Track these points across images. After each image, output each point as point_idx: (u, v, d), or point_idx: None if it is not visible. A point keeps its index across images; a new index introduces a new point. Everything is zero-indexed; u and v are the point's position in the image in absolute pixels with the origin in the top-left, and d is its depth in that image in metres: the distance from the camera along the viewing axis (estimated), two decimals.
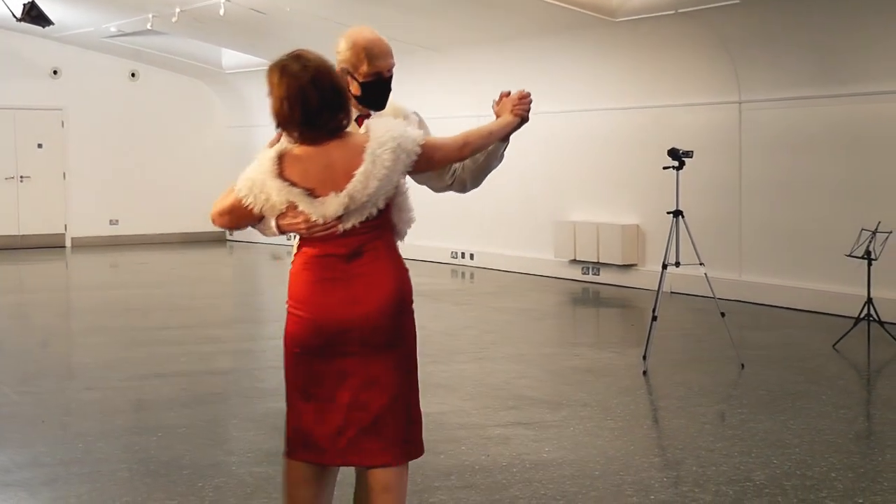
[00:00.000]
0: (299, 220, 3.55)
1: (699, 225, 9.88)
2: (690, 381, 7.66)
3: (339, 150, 3.55)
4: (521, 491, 5.24)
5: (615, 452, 5.90)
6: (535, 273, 13.95)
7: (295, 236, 3.69)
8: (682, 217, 8.25)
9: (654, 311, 8.19)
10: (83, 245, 18.89)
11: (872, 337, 8.94)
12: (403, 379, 3.66)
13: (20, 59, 18.49)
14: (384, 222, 3.64)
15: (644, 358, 8.22)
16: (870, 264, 8.78)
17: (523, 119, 3.84)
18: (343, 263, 3.58)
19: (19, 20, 14.59)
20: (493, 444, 6.09)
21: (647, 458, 5.88)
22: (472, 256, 15.18)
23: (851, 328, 8.90)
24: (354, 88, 3.72)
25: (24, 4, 14.19)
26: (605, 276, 13.08)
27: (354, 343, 3.57)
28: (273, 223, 3.61)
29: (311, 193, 3.52)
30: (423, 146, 3.60)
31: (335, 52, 3.76)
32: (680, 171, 8.33)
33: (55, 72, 18.91)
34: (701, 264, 8.19)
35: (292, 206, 3.53)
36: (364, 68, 3.73)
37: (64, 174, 18.95)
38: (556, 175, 13.80)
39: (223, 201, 3.65)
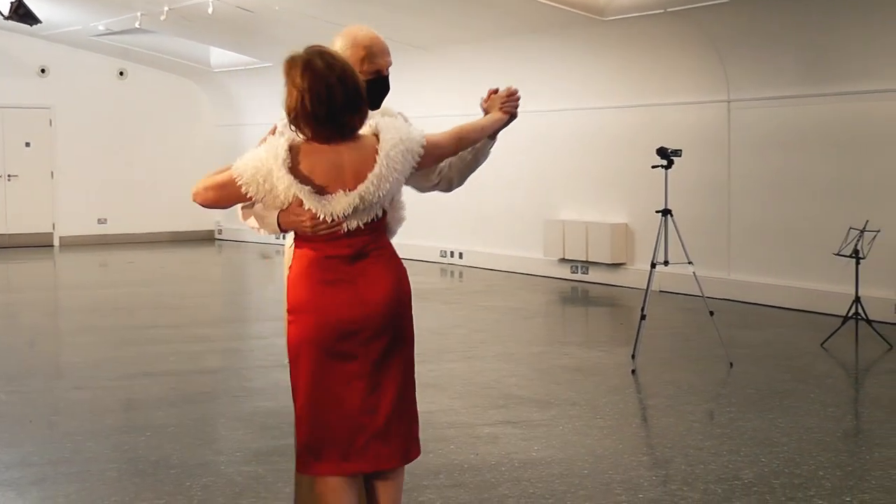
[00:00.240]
0: (305, 217, 3.48)
1: (688, 224, 9.90)
2: (679, 380, 7.67)
3: (349, 149, 3.51)
4: (509, 490, 5.24)
5: (604, 451, 5.90)
6: (524, 272, 13.95)
7: (285, 236, 3.65)
8: (671, 216, 8.26)
9: (642, 309, 8.21)
10: (71, 244, 18.83)
11: (860, 335, 8.97)
12: (406, 378, 3.65)
13: (8, 58, 18.42)
14: (385, 223, 3.63)
15: (633, 357, 8.23)
16: (858, 263, 8.80)
17: (512, 116, 3.84)
18: (347, 265, 3.54)
19: (6, 18, 14.54)
20: (482, 442, 6.09)
21: (636, 456, 5.89)
22: (460, 255, 15.18)
23: (839, 327, 8.92)
24: None
25: (12, 3, 14.14)
26: (594, 275, 13.09)
27: (361, 344, 3.53)
28: (274, 220, 3.54)
29: (319, 191, 3.46)
30: (425, 145, 3.58)
31: None
32: (669, 169, 8.35)
33: (43, 70, 18.85)
34: (690, 263, 8.20)
35: (297, 202, 3.46)
36: (365, 66, 3.73)
37: (52, 173, 18.89)
38: (545, 174, 13.80)
39: (214, 177, 3.53)
